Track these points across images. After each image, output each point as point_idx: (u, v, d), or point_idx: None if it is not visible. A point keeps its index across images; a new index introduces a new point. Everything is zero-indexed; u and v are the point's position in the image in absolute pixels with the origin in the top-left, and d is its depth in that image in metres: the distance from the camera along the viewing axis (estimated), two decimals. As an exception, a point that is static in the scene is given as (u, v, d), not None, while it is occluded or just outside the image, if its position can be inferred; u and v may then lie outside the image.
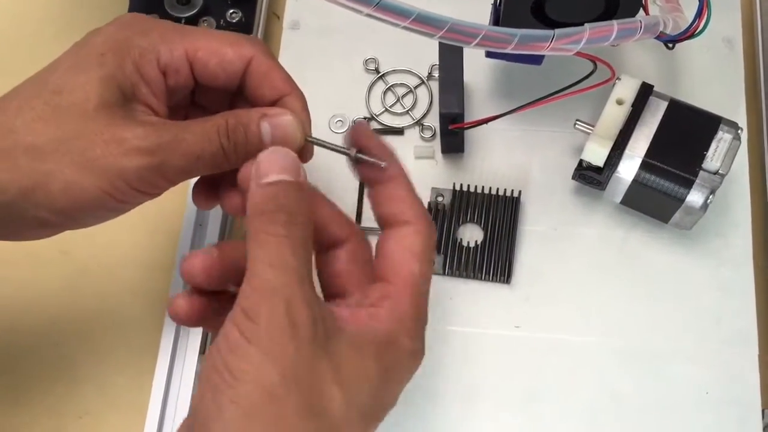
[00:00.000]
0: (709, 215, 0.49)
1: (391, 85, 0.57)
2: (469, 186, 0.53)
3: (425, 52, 0.56)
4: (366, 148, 0.38)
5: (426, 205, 0.52)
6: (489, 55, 0.50)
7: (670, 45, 0.44)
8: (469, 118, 0.51)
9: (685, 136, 0.47)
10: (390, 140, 0.55)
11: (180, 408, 0.51)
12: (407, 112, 0.56)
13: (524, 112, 0.49)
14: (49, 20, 0.63)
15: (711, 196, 0.46)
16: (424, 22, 0.35)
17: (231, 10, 0.61)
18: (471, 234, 0.52)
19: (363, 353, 0.34)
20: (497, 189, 0.53)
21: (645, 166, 0.47)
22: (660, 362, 0.49)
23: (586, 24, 0.39)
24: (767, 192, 0.54)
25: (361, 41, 0.58)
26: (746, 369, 0.48)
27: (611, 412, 0.48)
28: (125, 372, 0.53)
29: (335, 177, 0.51)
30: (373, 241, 0.38)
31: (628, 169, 0.47)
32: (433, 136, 0.55)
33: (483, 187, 0.53)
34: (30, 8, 0.64)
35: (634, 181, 0.47)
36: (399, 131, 0.56)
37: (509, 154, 0.54)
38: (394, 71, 0.57)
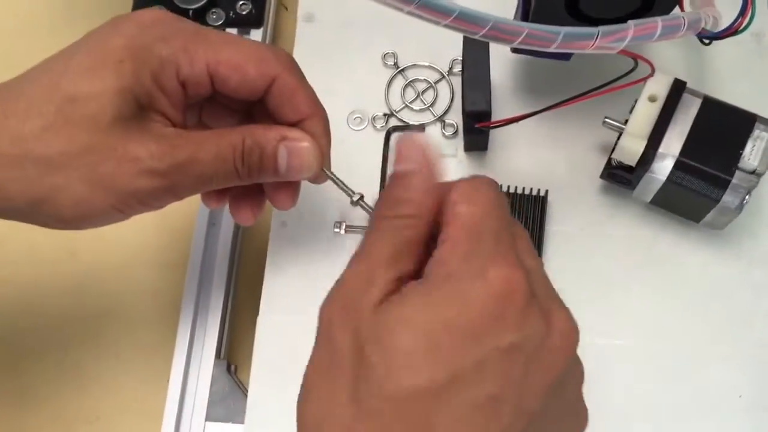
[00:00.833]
0: (740, 215, 0.48)
1: (411, 81, 0.55)
2: (493, 185, 0.52)
3: (445, 47, 0.55)
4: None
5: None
6: (515, 50, 0.49)
7: (707, 41, 0.42)
8: (493, 115, 0.49)
9: (720, 135, 0.46)
10: (410, 137, 0.55)
11: (197, 412, 0.50)
12: (428, 108, 0.55)
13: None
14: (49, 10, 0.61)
15: (747, 197, 0.45)
16: (466, 21, 0.34)
17: (241, 2, 0.59)
18: (496, 234, 0.51)
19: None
20: (523, 188, 0.51)
21: (679, 165, 0.46)
22: (691, 365, 0.48)
23: (630, 21, 0.37)
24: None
25: (378, 35, 0.56)
26: (779, 371, 0.48)
27: (640, 417, 0.47)
28: (138, 375, 0.52)
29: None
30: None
31: (662, 168, 0.46)
32: (456, 133, 0.54)
33: (508, 186, 0.51)
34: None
35: (668, 180, 0.46)
36: (420, 128, 0.54)
37: (534, 151, 0.53)
38: (414, 66, 0.56)
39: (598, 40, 0.36)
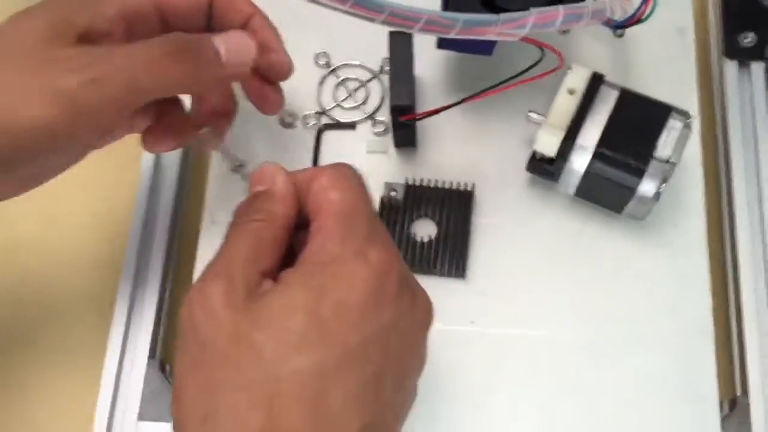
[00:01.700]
0: (663, 205, 0.48)
1: (343, 80, 0.56)
2: (422, 180, 0.52)
3: (377, 46, 0.55)
4: None
5: (379, 200, 0.51)
6: (440, 45, 0.50)
7: (619, 32, 0.43)
8: (421, 110, 0.50)
9: (636, 126, 0.47)
10: (342, 135, 0.55)
11: (129, 411, 0.50)
12: (359, 107, 0.55)
13: (477, 103, 0.48)
14: None
15: (663, 185, 0.46)
16: (363, 7, 0.35)
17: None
18: (424, 229, 0.52)
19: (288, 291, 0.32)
20: (451, 183, 0.52)
21: (597, 156, 0.46)
22: (617, 354, 0.49)
23: (532, 9, 0.38)
24: (720, 181, 0.54)
25: (311, 35, 0.57)
26: (703, 358, 0.48)
27: (569, 404, 0.48)
28: (73, 377, 0.52)
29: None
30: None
31: (580, 159, 0.47)
32: (386, 130, 0.54)
33: (436, 181, 0.52)
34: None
35: (587, 171, 0.47)
36: (351, 126, 0.55)
37: (463, 147, 0.53)
38: (346, 65, 0.56)
39: (498, 26, 0.36)
